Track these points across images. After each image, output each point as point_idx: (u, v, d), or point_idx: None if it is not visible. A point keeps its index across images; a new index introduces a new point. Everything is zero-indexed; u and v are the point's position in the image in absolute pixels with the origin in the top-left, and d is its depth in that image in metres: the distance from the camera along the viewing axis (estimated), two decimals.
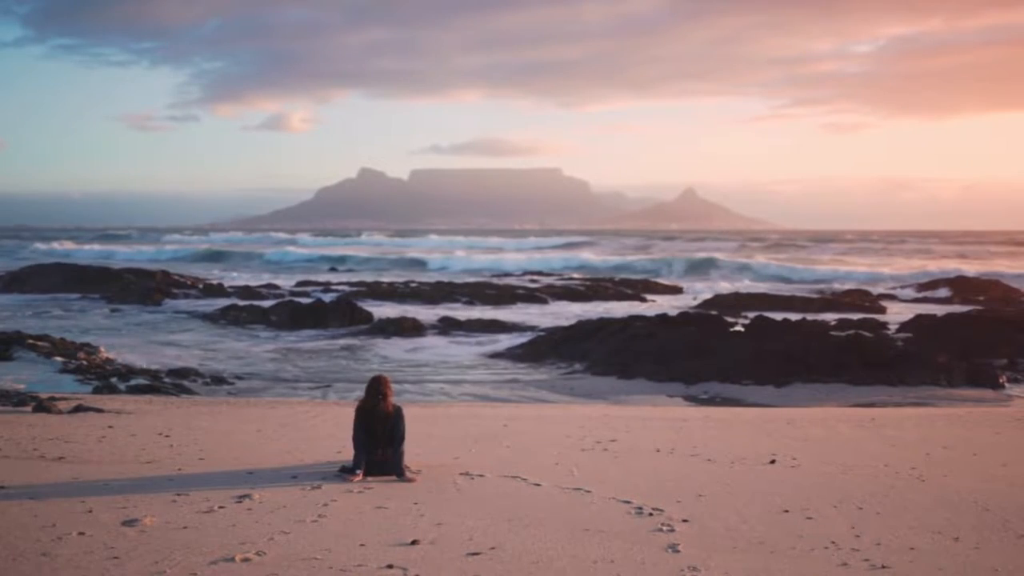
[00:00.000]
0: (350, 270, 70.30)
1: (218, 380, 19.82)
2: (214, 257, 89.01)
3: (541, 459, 9.99)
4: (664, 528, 7.26)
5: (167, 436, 11.23)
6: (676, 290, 47.68)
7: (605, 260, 79.17)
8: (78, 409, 13.46)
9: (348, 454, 9.23)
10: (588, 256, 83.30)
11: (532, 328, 29.08)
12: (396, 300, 39.48)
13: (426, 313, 32.76)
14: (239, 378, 20.35)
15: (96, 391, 17.38)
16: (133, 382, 18.85)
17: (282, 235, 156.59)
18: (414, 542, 6.72)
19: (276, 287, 47.12)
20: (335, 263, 78.24)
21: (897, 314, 33.32)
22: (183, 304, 38.73)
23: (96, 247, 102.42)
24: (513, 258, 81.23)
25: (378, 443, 8.88)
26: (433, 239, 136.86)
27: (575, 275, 60.81)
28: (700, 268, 67.81)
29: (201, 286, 45.58)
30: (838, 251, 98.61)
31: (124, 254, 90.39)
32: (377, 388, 9.05)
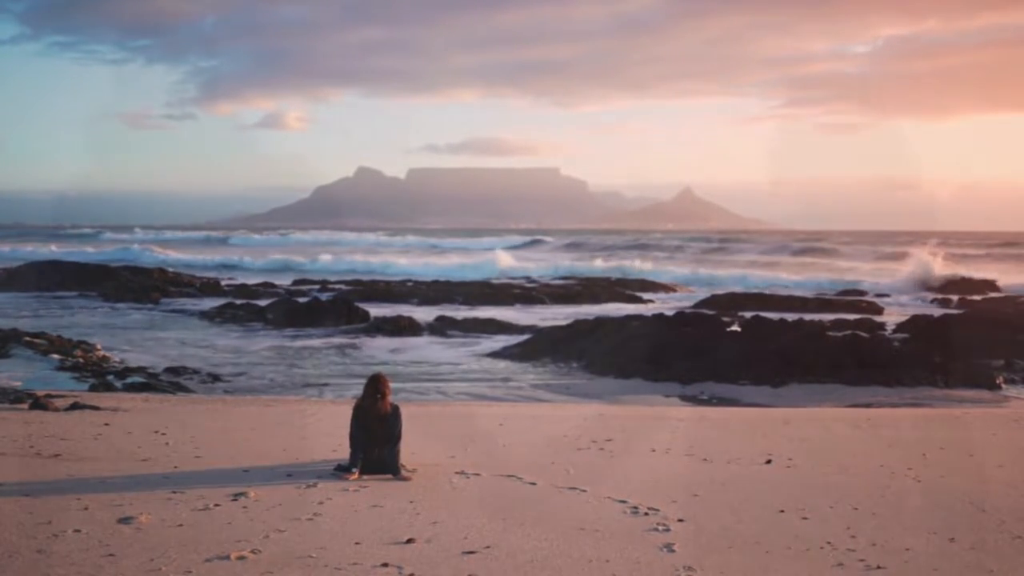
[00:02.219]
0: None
1: (214, 378, 19.83)
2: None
3: (537, 458, 9.98)
4: (660, 528, 7.26)
5: (163, 434, 11.21)
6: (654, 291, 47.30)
7: (537, 267, 65.56)
8: (74, 407, 13.43)
9: (344, 452, 9.22)
10: (511, 263, 67.51)
11: (529, 328, 29.06)
12: (393, 300, 39.51)
13: (423, 313, 32.76)
14: (236, 375, 20.35)
15: (92, 389, 17.36)
16: (129, 380, 18.82)
17: (216, 234, 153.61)
18: (409, 540, 6.72)
19: (273, 286, 47.17)
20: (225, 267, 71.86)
21: (894, 315, 33.35)
22: (180, 302, 38.80)
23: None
24: (397, 261, 73.29)
25: (375, 442, 8.86)
26: (355, 235, 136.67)
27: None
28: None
29: (198, 284, 45.67)
30: (835, 252, 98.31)
31: (23, 253, 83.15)
32: (375, 387, 9.01)
